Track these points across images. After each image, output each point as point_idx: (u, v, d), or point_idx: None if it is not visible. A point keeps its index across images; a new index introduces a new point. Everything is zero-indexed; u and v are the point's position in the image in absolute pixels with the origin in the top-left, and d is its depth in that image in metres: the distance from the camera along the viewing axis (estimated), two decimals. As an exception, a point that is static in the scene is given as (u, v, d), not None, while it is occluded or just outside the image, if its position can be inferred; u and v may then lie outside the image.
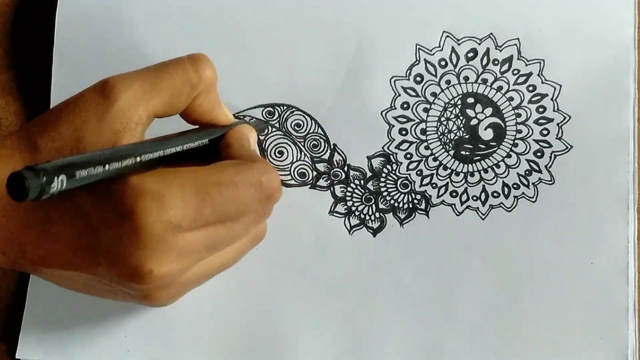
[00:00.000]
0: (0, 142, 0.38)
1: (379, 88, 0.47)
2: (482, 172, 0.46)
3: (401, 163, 0.47)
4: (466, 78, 0.47)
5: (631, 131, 0.46)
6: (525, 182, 0.46)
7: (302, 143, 0.47)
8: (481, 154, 0.46)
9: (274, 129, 0.47)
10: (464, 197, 0.46)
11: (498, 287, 0.45)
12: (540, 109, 0.46)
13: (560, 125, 0.46)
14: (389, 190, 0.47)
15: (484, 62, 0.47)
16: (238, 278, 0.46)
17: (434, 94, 0.47)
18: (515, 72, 0.47)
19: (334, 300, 0.46)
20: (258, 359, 0.45)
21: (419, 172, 0.46)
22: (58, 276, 0.38)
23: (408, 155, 0.47)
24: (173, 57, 0.40)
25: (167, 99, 0.38)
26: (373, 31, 0.47)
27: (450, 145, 0.46)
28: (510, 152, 0.46)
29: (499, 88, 0.47)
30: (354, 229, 0.46)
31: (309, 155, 0.47)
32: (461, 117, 0.47)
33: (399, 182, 0.47)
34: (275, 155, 0.47)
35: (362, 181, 0.47)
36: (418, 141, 0.47)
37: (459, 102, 0.47)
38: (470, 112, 0.47)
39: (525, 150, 0.46)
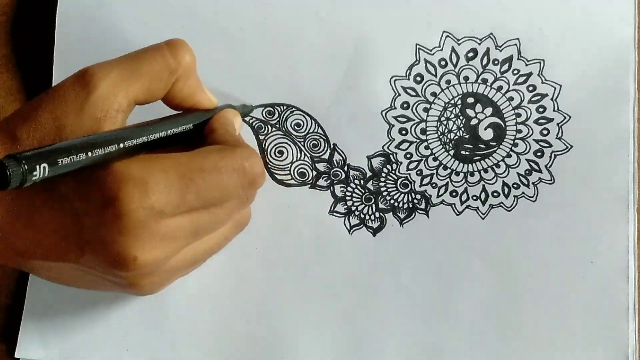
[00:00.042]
0: None
1: (379, 88, 0.47)
2: (482, 171, 0.46)
3: (401, 163, 0.47)
4: (466, 78, 0.47)
5: (631, 131, 0.46)
6: (525, 182, 0.46)
7: (302, 143, 0.47)
8: (481, 154, 0.46)
9: (274, 129, 0.47)
10: (464, 197, 0.46)
11: (498, 287, 0.45)
12: (540, 109, 0.46)
13: (560, 125, 0.46)
14: (389, 190, 0.47)
15: (484, 62, 0.47)
16: (238, 278, 0.46)
17: (434, 94, 0.47)
18: (515, 72, 0.47)
19: (334, 300, 0.46)
20: (258, 359, 0.45)
21: (419, 172, 0.46)
22: (45, 269, 0.38)
23: (408, 155, 0.47)
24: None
25: (147, 85, 0.38)
26: (373, 31, 0.47)
27: (450, 145, 0.46)
28: (510, 152, 0.46)
29: (499, 88, 0.47)
30: (353, 229, 0.46)
31: (308, 155, 0.47)
32: (461, 117, 0.47)
33: (399, 181, 0.47)
34: (275, 155, 0.47)
35: (362, 181, 0.47)
36: (418, 141, 0.47)
37: (459, 102, 0.47)
38: (470, 112, 0.47)
39: (525, 150, 0.46)
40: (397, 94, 0.47)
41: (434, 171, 0.46)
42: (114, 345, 0.46)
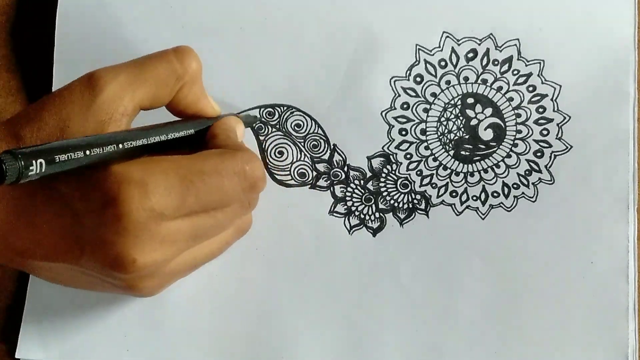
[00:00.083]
0: None
1: (379, 88, 0.47)
2: (482, 172, 0.46)
3: (401, 163, 0.47)
4: (466, 78, 0.47)
5: (631, 131, 0.46)
6: (525, 182, 0.46)
7: (302, 143, 0.47)
8: (481, 154, 0.46)
9: (274, 129, 0.47)
10: (464, 197, 0.46)
11: (498, 287, 0.45)
12: (540, 109, 0.46)
13: (560, 125, 0.46)
14: (388, 190, 0.47)
15: (484, 62, 0.47)
16: (238, 278, 0.46)
17: (433, 94, 0.47)
18: (515, 72, 0.47)
19: (334, 300, 0.46)
20: (258, 359, 0.45)
21: (418, 172, 0.46)
22: (45, 269, 0.38)
23: (408, 156, 0.47)
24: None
25: (153, 91, 0.38)
26: (373, 31, 0.47)
27: (450, 145, 0.46)
28: (510, 152, 0.46)
29: (499, 88, 0.47)
30: (353, 229, 0.46)
31: (309, 156, 0.47)
32: (461, 117, 0.47)
33: (398, 182, 0.47)
34: (275, 156, 0.47)
35: (362, 181, 0.47)
36: (418, 141, 0.47)
37: (459, 102, 0.47)
38: (470, 113, 0.47)
39: (525, 150, 0.46)
40: (397, 95, 0.47)
41: (434, 171, 0.46)
42: (114, 346, 0.46)
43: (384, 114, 0.47)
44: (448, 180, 0.46)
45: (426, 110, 0.47)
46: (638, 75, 0.46)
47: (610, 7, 0.46)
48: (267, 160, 0.47)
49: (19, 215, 0.36)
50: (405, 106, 0.47)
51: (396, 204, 0.46)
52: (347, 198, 0.47)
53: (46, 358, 0.46)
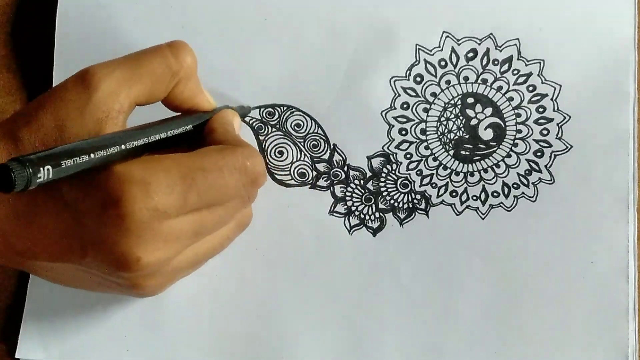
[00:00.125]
0: None
1: (379, 88, 0.47)
2: (482, 172, 0.46)
3: (401, 163, 0.47)
4: (466, 78, 0.47)
5: (631, 131, 0.46)
6: (525, 182, 0.46)
7: (302, 143, 0.47)
8: (481, 154, 0.46)
9: (273, 129, 0.47)
10: (464, 197, 0.46)
11: (498, 287, 0.45)
12: (540, 109, 0.46)
13: (560, 125, 0.46)
14: (388, 190, 0.47)
15: (484, 62, 0.47)
16: (238, 278, 0.46)
17: (433, 94, 0.47)
18: (515, 72, 0.47)
19: (334, 300, 0.46)
20: (258, 359, 0.45)
21: (418, 172, 0.46)
22: (46, 269, 0.38)
23: (408, 155, 0.47)
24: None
25: (148, 87, 0.38)
26: (373, 31, 0.47)
27: (450, 145, 0.46)
28: (510, 152, 0.46)
29: (499, 88, 0.47)
30: (353, 229, 0.46)
31: (308, 155, 0.47)
32: (461, 117, 0.47)
33: (398, 182, 0.47)
34: (275, 155, 0.47)
35: (362, 181, 0.47)
36: (418, 141, 0.47)
37: (459, 102, 0.47)
38: (470, 112, 0.47)
39: (525, 150, 0.46)
40: (397, 95, 0.47)
41: (434, 171, 0.46)
42: (114, 346, 0.46)
43: (384, 113, 0.47)
44: (448, 180, 0.46)
45: (426, 110, 0.47)
46: (638, 75, 0.46)
47: (610, 7, 0.46)
48: (267, 160, 0.47)
49: (20, 216, 0.36)
50: (405, 106, 0.47)
51: (396, 204, 0.46)
52: (347, 198, 0.47)
53: (46, 358, 0.46)
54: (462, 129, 0.46)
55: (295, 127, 0.47)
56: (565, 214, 0.45)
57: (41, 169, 0.31)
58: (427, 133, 0.47)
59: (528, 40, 0.47)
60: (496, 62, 0.47)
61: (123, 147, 0.35)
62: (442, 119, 0.47)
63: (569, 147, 0.46)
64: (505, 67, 0.47)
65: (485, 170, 0.46)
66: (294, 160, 0.47)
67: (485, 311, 0.45)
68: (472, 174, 0.46)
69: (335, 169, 0.47)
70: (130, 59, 0.39)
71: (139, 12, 0.48)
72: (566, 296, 0.45)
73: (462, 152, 0.46)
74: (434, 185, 0.46)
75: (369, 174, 0.47)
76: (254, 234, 0.45)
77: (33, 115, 0.37)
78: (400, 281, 0.46)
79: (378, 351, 0.45)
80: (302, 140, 0.47)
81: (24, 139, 0.36)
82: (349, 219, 0.46)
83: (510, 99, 0.46)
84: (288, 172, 0.47)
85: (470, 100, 0.47)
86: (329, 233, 0.46)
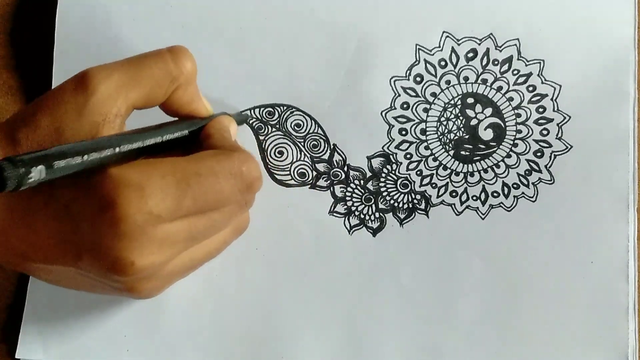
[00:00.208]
0: None
1: (379, 88, 0.47)
2: (482, 172, 0.46)
3: (401, 163, 0.47)
4: (466, 78, 0.47)
5: (631, 131, 0.46)
6: (525, 182, 0.46)
7: (302, 143, 0.47)
8: (481, 154, 0.46)
9: (273, 129, 0.47)
10: (464, 197, 0.46)
11: (498, 287, 0.45)
12: (540, 109, 0.46)
13: (560, 125, 0.46)
14: (388, 190, 0.47)
15: (484, 62, 0.47)
16: (238, 278, 0.46)
17: (433, 94, 0.47)
18: (515, 72, 0.47)
19: (334, 300, 0.46)
20: (258, 359, 0.45)
21: (418, 172, 0.46)
22: (44, 271, 0.38)
23: (408, 155, 0.47)
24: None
25: (147, 91, 0.38)
26: (373, 31, 0.47)
27: (450, 145, 0.46)
28: (510, 152, 0.46)
29: (499, 88, 0.47)
30: (353, 229, 0.46)
31: (308, 155, 0.47)
32: (461, 117, 0.47)
33: (398, 182, 0.47)
34: (275, 155, 0.47)
35: (362, 181, 0.47)
36: (418, 141, 0.47)
37: (459, 102, 0.47)
38: (470, 112, 0.47)
39: (525, 150, 0.46)
40: (397, 95, 0.47)
41: (434, 171, 0.46)
42: (114, 346, 0.45)
43: (384, 113, 0.47)
44: (448, 180, 0.46)
45: (426, 110, 0.47)
46: (638, 75, 0.46)
47: (610, 7, 0.46)
48: (267, 160, 0.47)
49: (16, 217, 0.36)
50: (405, 106, 0.47)
51: (396, 204, 0.46)
52: (347, 198, 0.47)
53: (46, 358, 0.46)
54: (462, 129, 0.46)
55: (295, 127, 0.47)
56: (565, 214, 0.45)
57: (33, 169, 0.31)
58: (427, 133, 0.47)
59: (528, 40, 0.47)
60: (496, 62, 0.47)
61: (118, 149, 0.35)
62: (442, 119, 0.47)
63: (569, 147, 0.46)
64: (505, 67, 0.47)
65: (485, 171, 0.46)
66: (294, 160, 0.47)
67: (485, 311, 0.45)
68: (472, 174, 0.46)
69: (335, 169, 0.47)
70: (130, 62, 0.38)
71: (139, 12, 0.48)
72: (566, 296, 0.45)
73: (462, 152, 0.46)
74: (434, 185, 0.46)
75: (369, 174, 0.47)
76: (254, 234, 0.45)
77: (31, 117, 0.37)
78: (400, 281, 0.46)
79: (378, 351, 0.45)
80: (302, 140, 0.47)
81: (21, 140, 0.36)
82: (349, 219, 0.46)
83: (510, 99, 0.46)
84: (288, 172, 0.47)
85: (470, 100, 0.47)
86: (329, 233, 0.46)
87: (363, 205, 0.46)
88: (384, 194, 0.46)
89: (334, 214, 0.46)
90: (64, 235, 0.36)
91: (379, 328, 0.45)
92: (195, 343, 0.45)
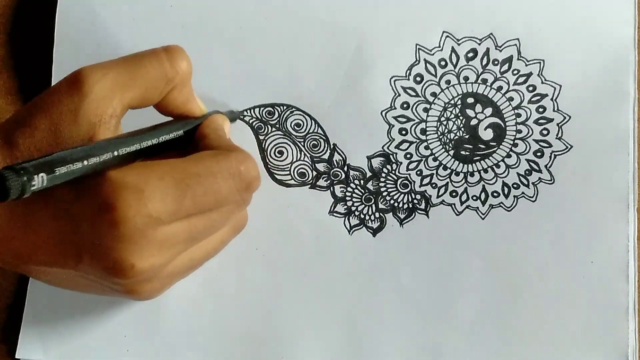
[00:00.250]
0: None
1: (379, 88, 0.47)
2: (482, 172, 0.46)
3: (401, 163, 0.47)
4: (466, 78, 0.47)
5: (631, 131, 0.46)
6: (525, 182, 0.46)
7: (302, 143, 0.47)
8: (481, 154, 0.46)
9: (273, 129, 0.47)
10: (464, 197, 0.46)
11: (498, 287, 0.45)
12: (540, 109, 0.46)
13: (560, 125, 0.46)
14: (388, 190, 0.47)
15: (484, 62, 0.47)
16: (238, 278, 0.46)
17: (433, 94, 0.47)
18: (515, 72, 0.47)
19: (334, 300, 0.46)
20: (258, 359, 0.45)
21: (418, 172, 0.46)
22: (44, 273, 0.38)
23: (408, 155, 0.47)
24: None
25: (142, 92, 0.38)
26: (373, 31, 0.47)
27: (450, 145, 0.46)
28: (510, 152, 0.46)
29: (499, 88, 0.47)
30: (353, 229, 0.46)
31: (308, 155, 0.47)
32: (461, 117, 0.47)
33: (398, 182, 0.47)
34: (275, 155, 0.47)
35: (362, 181, 0.47)
36: (418, 141, 0.47)
37: (459, 102, 0.47)
38: (470, 112, 0.47)
39: (525, 150, 0.46)
40: (397, 94, 0.47)
41: (434, 171, 0.46)
42: (114, 346, 0.45)
43: (384, 113, 0.47)
44: (448, 180, 0.46)
45: (426, 110, 0.47)
46: (638, 75, 0.46)
47: (610, 7, 0.46)
48: (267, 160, 0.47)
49: (16, 219, 0.36)
50: (405, 106, 0.47)
51: (396, 204, 0.46)
52: (347, 198, 0.47)
53: (46, 358, 0.46)
54: (462, 129, 0.46)
55: (295, 127, 0.47)
56: (565, 214, 0.45)
57: (35, 176, 0.31)
58: (427, 133, 0.47)
59: (528, 40, 0.47)
60: (496, 62, 0.47)
61: (116, 153, 0.35)
62: (442, 119, 0.47)
63: (569, 147, 0.46)
64: (505, 67, 0.47)
65: (485, 170, 0.46)
66: (294, 160, 0.47)
67: (485, 311, 0.45)
68: (472, 174, 0.46)
69: (335, 169, 0.47)
70: (126, 62, 0.38)
71: (139, 12, 0.48)
72: (566, 296, 0.45)
73: (462, 152, 0.46)
74: (434, 185, 0.46)
75: (369, 174, 0.47)
76: (254, 234, 0.45)
77: (28, 119, 0.37)
78: (400, 281, 0.46)
79: (378, 351, 0.45)
80: (302, 140, 0.47)
81: (19, 142, 0.36)
82: (349, 219, 0.46)
83: (510, 99, 0.46)
84: (288, 172, 0.47)
85: (470, 100, 0.47)
86: (329, 233, 0.46)
87: (363, 205, 0.46)
88: (384, 194, 0.46)
89: (334, 214, 0.46)
90: (64, 238, 0.36)
91: (379, 328, 0.45)
92: (195, 343, 0.45)
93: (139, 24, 0.48)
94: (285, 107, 0.47)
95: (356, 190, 0.47)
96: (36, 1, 0.49)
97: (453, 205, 0.46)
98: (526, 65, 0.47)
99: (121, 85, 0.37)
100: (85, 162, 0.33)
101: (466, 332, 0.45)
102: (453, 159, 0.46)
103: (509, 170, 0.46)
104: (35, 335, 0.46)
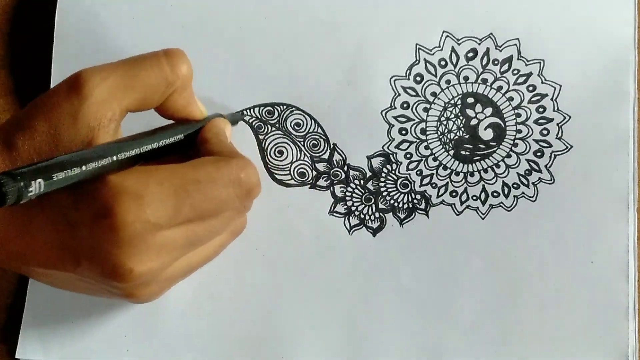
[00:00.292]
0: None
1: (379, 88, 0.47)
2: (482, 172, 0.46)
3: (401, 163, 0.47)
4: (466, 78, 0.47)
5: (631, 131, 0.46)
6: (525, 182, 0.46)
7: (302, 143, 0.47)
8: (481, 154, 0.46)
9: (273, 129, 0.47)
10: (464, 197, 0.46)
11: (498, 287, 0.45)
12: (540, 109, 0.46)
13: (560, 125, 0.46)
14: (388, 190, 0.47)
15: (484, 62, 0.47)
16: (238, 278, 0.46)
17: (434, 94, 0.47)
18: (515, 72, 0.47)
19: (334, 300, 0.46)
20: (257, 359, 0.45)
21: (418, 172, 0.46)
22: (43, 275, 0.38)
23: (408, 155, 0.47)
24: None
25: (142, 96, 0.38)
26: (373, 31, 0.47)
27: (450, 145, 0.46)
28: (510, 152, 0.46)
29: (499, 88, 0.47)
30: (353, 229, 0.46)
31: (308, 155, 0.47)
32: (461, 117, 0.47)
33: (398, 182, 0.47)
34: (275, 155, 0.47)
35: (361, 181, 0.47)
36: (418, 141, 0.47)
37: (459, 102, 0.47)
38: (470, 112, 0.47)
39: (525, 150, 0.46)
40: (397, 94, 0.47)
41: (434, 171, 0.46)
42: (114, 346, 0.45)
43: (384, 113, 0.47)
44: (448, 180, 0.46)
45: (426, 110, 0.47)
46: (638, 75, 0.46)
47: (610, 7, 0.46)
48: (267, 160, 0.47)
49: (15, 222, 0.36)
50: (405, 105, 0.47)
51: (396, 204, 0.46)
52: (347, 198, 0.47)
53: (46, 358, 0.46)
54: (462, 129, 0.46)
55: (295, 127, 0.47)
56: (565, 214, 0.45)
57: (33, 182, 0.31)
58: (427, 133, 0.47)
59: (528, 40, 0.47)
60: (496, 62, 0.47)
61: (115, 158, 0.35)
62: (442, 118, 0.47)
63: (569, 147, 0.46)
64: (505, 67, 0.47)
65: (485, 170, 0.46)
66: (294, 159, 0.47)
67: (485, 311, 0.45)
68: (472, 174, 0.46)
69: (335, 169, 0.47)
70: (126, 65, 0.38)
71: (139, 12, 0.48)
72: (566, 296, 0.45)
73: (462, 152, 0.46)
74: (434, 185, 0.46)
75: (369, 173, 0.47)
76: (253, 234, 0.45)
77: (27, 121, 0.37)
78: (400, 281, 0.46)
79: (378, 351, 0.45)
80: (302, 139, 0.47)
81: (18, 145, 0.36)
82: (349, 219, 0.46)
83: (510, 99, 0.46)
84: (288, 172, 0.47)
85: (470, 100, 0.47)
86: (329, 233, 0.46)
87: (363, 205, 0.46)
88: (384, 193, 0.46)
89: (334, 213, 0.46)
90: (63, 241, 0.36)
91: (379, 328, 0.45)
92: (195, 343, 0.45)
93: (139, 24, 0.48)
94: (285, 107, 0.47)
95: (356, 190, 0.47)
96: (36, 1, 0.49)
97: (453, 205, 0.46)
98: (526, 65, 0.47)
99: (121, 89, 0.37)
100: (84, 168, 0.33)
101: (466, 331, 0.45)
102: (453, 159, 0.46)
103: (509, 170, 0.46)
104: (35, 336, 0.46)
